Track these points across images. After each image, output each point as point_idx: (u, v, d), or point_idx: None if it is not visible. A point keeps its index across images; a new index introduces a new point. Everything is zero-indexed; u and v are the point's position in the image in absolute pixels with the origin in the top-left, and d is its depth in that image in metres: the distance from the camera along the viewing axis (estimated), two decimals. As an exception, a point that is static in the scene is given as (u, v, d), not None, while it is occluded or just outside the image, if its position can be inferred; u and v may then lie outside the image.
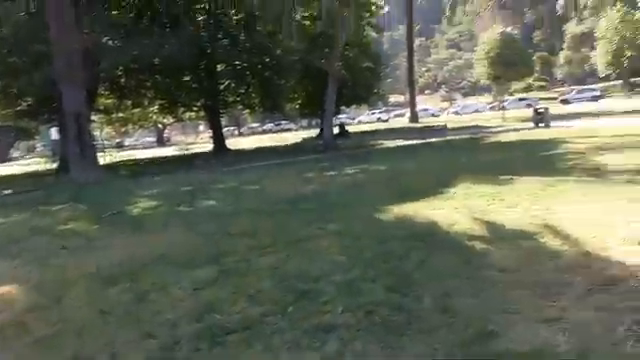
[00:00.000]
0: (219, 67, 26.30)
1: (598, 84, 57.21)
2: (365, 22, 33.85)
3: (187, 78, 25.81)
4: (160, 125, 63.13)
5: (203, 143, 52.36)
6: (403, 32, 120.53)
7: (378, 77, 35.36)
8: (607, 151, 9.55)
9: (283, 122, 71.81)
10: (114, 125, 41.04)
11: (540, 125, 19.42)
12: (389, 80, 63.17)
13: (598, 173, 7.26)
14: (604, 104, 38.53)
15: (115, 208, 9.02)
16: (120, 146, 64.59)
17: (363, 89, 33.02)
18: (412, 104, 41.39)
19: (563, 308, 3.10)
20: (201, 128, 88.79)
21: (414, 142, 19.67)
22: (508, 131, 20.13)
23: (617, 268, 3.55)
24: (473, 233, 4.96)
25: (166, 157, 27.79)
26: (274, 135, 54.74)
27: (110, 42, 20.82)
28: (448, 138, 20.12)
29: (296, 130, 65.95)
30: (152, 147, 57.21)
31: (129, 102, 28.26)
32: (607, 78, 56.13)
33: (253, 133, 70.97)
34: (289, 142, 32.34)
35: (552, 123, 19.69)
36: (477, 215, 5.63)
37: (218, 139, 27.52)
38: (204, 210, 8.25)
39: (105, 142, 38.35)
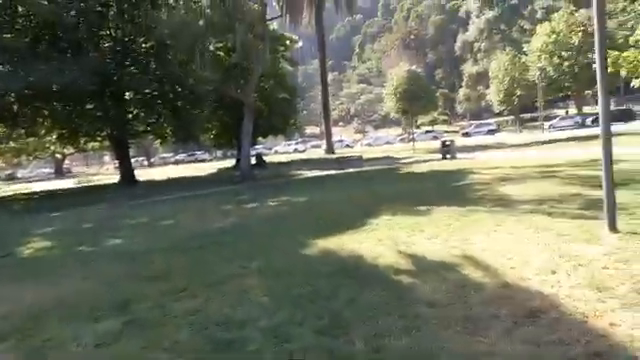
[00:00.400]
0: (127, 95, 24.95)
1: (493, 119, 63.00)
2: (280, 55, 34.45)
3: (91, 106, 24.11)
4: (59, 155, 58.34)
5: (108, 174, 49.08)
6: (316, 66, 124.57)
7: (294, 108, 35.82)
8: (509, 182, 10.27)
9: (197, 152, 69.88)
10: (4, 156, 37.13)
11: (447, 157, 20.67)
12: (304, 112, 64.33)
13: (505, 203, 7.71)
14: (499, 137, 42.33)
15: (2, 250, 7.88)
16: (12, 178, 58.53)
17: (279, 120, 33.19)
18: (328, 135, 42.33)
19: (492, 343, 3.08)
20: (106, 158, 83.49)
21: (332, 172, 19.92)
22: (419, 162, 21.16)
23: (538, 299, 3.64)
24: (399, 267, 4.92)
25: (66, 190, 25.42)
26: (188, 166, 52.86)
27: (1, 67, 18.98)
28: (365, 169, 20.65)
29: (211, 160, 64.45)
30: (50, 179, 52.31)
31: (22, 131, 25.70)
32: (501, 114, 62.00)
33: (165, 163, 68.01)
34: (204, 173, 31.30)
35: (458, 155, 21.05)
36: (401, 247, 5.64)
37: (126, 170, 25.78)
38: (110, 250, 7.46)
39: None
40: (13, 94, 19.75)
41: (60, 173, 59.52)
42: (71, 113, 22.59)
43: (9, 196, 23.60)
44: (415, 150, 30.44)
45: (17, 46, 19.67)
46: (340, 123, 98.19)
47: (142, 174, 31.42)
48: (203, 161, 65.59)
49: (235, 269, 5.49)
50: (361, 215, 8.14)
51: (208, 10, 20.15)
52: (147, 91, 24.34)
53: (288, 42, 34.67)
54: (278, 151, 61.67)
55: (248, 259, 5.87)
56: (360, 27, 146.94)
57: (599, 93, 5.44)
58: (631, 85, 19.10)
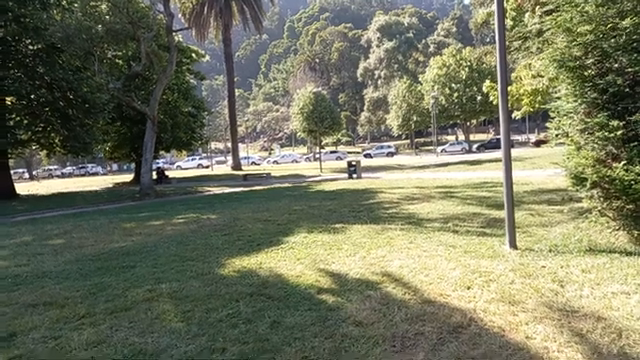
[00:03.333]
0: (8, 100, 22.31)
1: (392, 142, 66.82)
2: (185, 68, 33.44)
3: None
4: None
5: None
6: (221, 82, 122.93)
7: (200, 123, 34.76)
8: (415, 201, 10.83)
9: (89, 166, 64.60)
10: None
11: (353, 176, 21.36)
12: (209, 127, 62.76)
13: (414, 221, 8.07)
14: (398, 159, 44.93)
15: None
16: None
17: (184, 134, 31.95)
18: (234, 152, 41.65)
19: (421, 362, 3.11)
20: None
21: (241, 189, 19.53)
22: (327, 181, 21.59)
23: (458, 314, 3.77)
24: (321, 286, 4.84)
25: None
26: (78, 179, 48.55)
27: None
28: (274, 186, 20.54)
29: (104, 174, 59.96)
30: None
31: None
32: (399, 137, 66.03)
33: (50, 176, 61.79)
34: (98, 188, 28.90)
35: (363, 174, 21.86)
36: (320, 266, 5.59)
37: (4, 183, 22.88)
38: (-14, 274, 6.44)
39: None
40: None
41: None
42: None
43: None
44: (322, 169, 31.06)
45: None
46: (246, 140, 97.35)
47: (23, 188, 28.13)
48: (95, 175, 60.77)
49: (142, 293, 5.01)
50: (276, 233, 8.00)
51: (108, 16, 18.92)
52: (33, 97, 22.02)
53: (194, 55, 33.83)
54: (181, 166, 59.20)
55: (157, 282, 5.41)
56: (266, 47, 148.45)
57: (501, 122, 5.93)
58: (513, 116, 21.45)
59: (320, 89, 61.59)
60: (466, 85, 44.48)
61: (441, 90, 45.67)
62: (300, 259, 5.99)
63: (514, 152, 34.51)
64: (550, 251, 5.35)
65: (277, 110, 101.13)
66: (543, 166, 18.93)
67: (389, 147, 56.57)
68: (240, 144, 62.67)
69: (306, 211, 10.72)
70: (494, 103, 19.96)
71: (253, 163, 58.65)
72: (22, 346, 3.81)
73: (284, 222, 9.18)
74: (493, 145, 46.22)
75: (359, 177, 21.22)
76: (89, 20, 17.70)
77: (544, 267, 4.80)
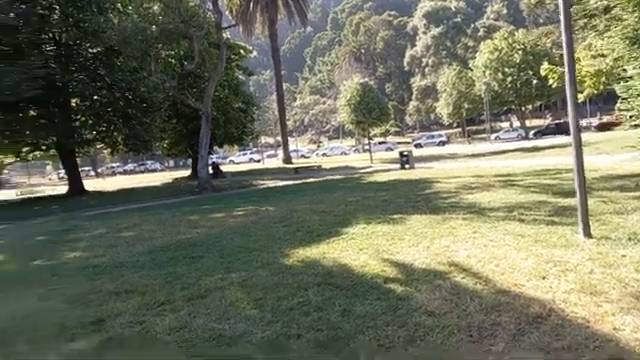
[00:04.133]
0: (74, 102, 23.74)
1: (443, 131, 65.26)
2: (234, 64, 34.12)
3: (34, 113, 22.72)
4: (-5, 165, 54.61)
5: (52, 185, 46.45)
6: (268, 77, 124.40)
7: (251, 118, 35.47)
8: (474, 190, 10.56)
9: (148, 162, 67.60)
10: None
11: (406, 166, 21.10)
12: (258, 122, 63.96)
13: (476, 211, 7.88)
14: (450, 148, 43.83)
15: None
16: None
17: (236, 129, 32.71)
18: (285, 145, 42.18)
19: (502, 351, 3.06)
20: (48, 168, 78.97)
21: (294, 182, 19.80)
22: (379, 172, 21.46)
23: (536, 305, 3.67)
24: (387, 275, 4.86)
25: (9, 201, 23.72)
26: (139, 176, 51.00)
27: None
28: (326, 178, 20.66)
29: (162, 170, 62.52)
30: (-15, 190, 48.74)
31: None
32: (450, 126, 64.45)
33: (113, 173, 65.28)
34: (158, 183, 30.23)
35: (415, 164, 21.54)
36: (384, 256, 5.60)
37: (74, 180, 24.44)
38: (69, 264, 6.95)
39: None
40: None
41: (-2, 184, 55.70)
42: (12, 121, 21.15)
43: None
44: (372, 160, 30.88)
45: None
46: (294, 133, 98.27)
47: (90, 184, 29.86)
48: (154, 171, 63.52)
49: (215, 282, 5.23)
50: (334, 224, 8.07)
51: (161, 17, 19.61)
52: (95, 98, 23.30)
53: (242, 51, 34.44)
54: (234, 161, 60.73)
55: (227, 271, 5.63)
56: (311, 39, 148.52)
57: (569, 106, 5.64)
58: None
59: (366, 80, 61.11)
60: (520, 69, 42.51)
61: (493, 75, 43.95)
62: (362, 249, 6.02)
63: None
64: (630, 239, 5.07)
65: (324, 103, 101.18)
66: (609, 151, 17.87)
67: (440, 136, 55.27)
68: (289, 138, 63.45)
69: (361, 202, 10.73)
70: (553, 87, 19.04)
71: (302, 156, 59.16)
72: (111, 330, 4.09)
73: (341, 213, 9.24)
74: (551, 131, 44.06)
75: (412, 167, 20.94)
76: (144, 21, 18.46)
77: (624, 256, 4.56)
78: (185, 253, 6.91)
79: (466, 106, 49.84)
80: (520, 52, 42.20)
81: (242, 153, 65.62)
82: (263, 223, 9.06)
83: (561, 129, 43.03)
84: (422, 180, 14.49)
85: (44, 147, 25.35)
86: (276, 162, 50.10)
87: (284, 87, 79.67)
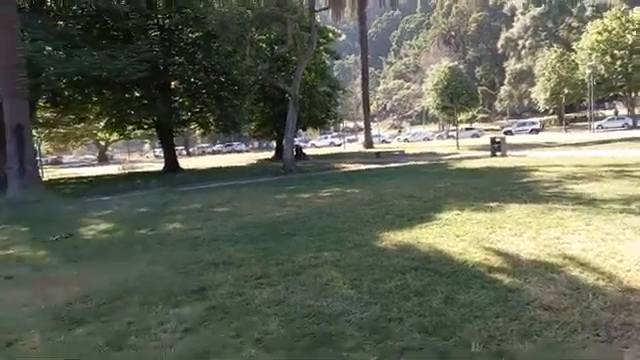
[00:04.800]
0: (173, 84, 25.31)
1: (535, 118, 60.79)
2: (322, 48, 34.15)
3: (138, 94, 24.58)
4: (102, 142, 60.12)
5: (150, 162, 50.21)
6: (352, 61, 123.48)
7: (335, 102, 35.53)
8: (579, 180, 9.67)
9: (234, 143, 70.65)
10: (53, 140, 38.44)
11: (497, 154, 19.92)
12: (340, 106, 64.03)
13: (585, 202, 7.19)
14: (544, 137, 40.75)
15: (64, 230, 7.93)
16: (57, 163, 60.64)
17: (320, 112, 32.96)
18: (367, 129, 41.86)
19: (638, 356, 2.71)
20: (146, 146, 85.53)
21: (377, 166, 19.54)
22: (467, 158, 20.49)
23: (674, 307, 3.23)
24: (491, 264, 4.55)
25: (112, 175, 26.01)
26: (226, 156, 53.50)
27: (55, 52, 19.42)
28: (410, 163, 20.14)
29: (247, 151, 65.03)
30: (93, 165, 53.94)
31: (72, 116, 26.47)
32: (546, 112, 59.84)
33: (203, 153, 69.11)
34: (244, 163, 31.46)
35: (508, 152, 20.28)
36: (485, 244, 5.26)
37: (170, 158, 26.19)
38: (171, 235, 7.38)
39: (41, 159, 35.75)
40: (65, 79, 20.21)
41: (103, 159, 61.35)
42: (120, 100, 23.04)
43: (58, 180, 24.29)
44: (459, 147, 29.61)
45: (71, 33, 20.16)
46: (375, 118, 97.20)
47: (183, 163, 31.81)
48: (240, 152, 66.28)
49: (308, 260, 5.24)
50: (425, 209, 7.78)
51: (256, 1, 20.04)
52: (192, 80, 24.62)
53: (331, 35, 34.35)
54: (315, 144, 61.50)
55: (319, 250, 5.62)
56: (398, 23, 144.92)
57: None
58: None
59: (455, 63, 58.60)
60: (632, 51, 38.26)
61: (601, 58, 39.97)
62: (459, 236, 5.72)
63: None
64: None
65: (408, 87, 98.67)
66: None
67: (533, 123, 51.48)
68: (370, 122, 62.84)
69: (451, 189, 10.26)
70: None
71: (384, 141, 58.37)
72: (213, 299, 4.23)
73: (430, 199, 8.90)
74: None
75: (504, 155, 19.72)
76: (241, 6, 19.03)
77: None
78: (276, 230, 7.03)
79: (566, 91, 45.88)
80: (634, 33, 37.89)
81: (323, 137, 66.23)
82: (350, 205, 8.99)
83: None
84: (517, 168, 13.56)
85: (146, 126, 27.39)
86: (357, 146, 49.91)
87: (369, 71, 78.85)
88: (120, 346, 3.40)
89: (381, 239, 5.97)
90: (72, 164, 59.37)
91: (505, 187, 9.58)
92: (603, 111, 61.91)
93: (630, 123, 42.62)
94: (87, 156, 73.32)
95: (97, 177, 25.69)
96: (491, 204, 7.69)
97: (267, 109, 32.24)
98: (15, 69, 12.78)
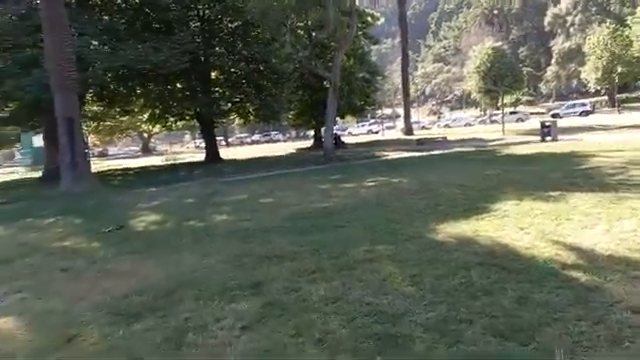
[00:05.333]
0: (213, 75, 25.54)
1: (585, 99, 57.82)
2: (361, 33, 33.52)
3: (180, 86, 24.96)
4: (145, 134, 61.88)
5: (191, 152, 51.27)
6: (389, 45, 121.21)
7: (374, 88, 34.94)
8: (648, 166, 9.01)
9: (272, 133, 71.10)
10: (99, 134, 39.83)
11: (547, 139, 19.00)
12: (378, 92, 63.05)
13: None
14: (596, 119, 38.68)
15: (116, 222, 8.09)
16: (103, 155, 62.94)
17: (359, 99, 32.51)
18: (407, 116, 41.03)
19: None
20: (186, 137, 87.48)
21: (419, 154, 19.05)
22: (515, 144, 19.67)
23: None
24: (563, 260, 4.23)
25: (157, 166, 26.69)
26: (264, 146, 53.93)
27: (101, 47, 19.91)
28: (454, 150, 19.54)
29: (285, 141, 65.27)
30: (137, 156, 55.66)
31: (117, 109, 27.24)
32: (594, 93, 56.87)
33: (242, 143, 69.99)
34: (283, 153, 31.51)
35: (559, 137, 19.30)
36: (553, 238, 4.91)
37: (211, 149, 26.57)
38: (219, 226, 7.37)
39: (89, 151, 37.06)
40: (110, 73, 20.75)
41: (147, 151, 63.17)
42: (163, 92, 23.46)
43: (106, 172, 25.12)
44: (505, 132, 28.52)
45: (115, 27, 20.60)
46: (414, 104, 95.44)
47: (223, 153, 32.23)
48: (277, 141, 66.65)
49: (362, 253, 5.06)
50: (479, 199, 7.43)
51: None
52: (232, 70, 24.76)
53: (370, 19, 33.66)
54: (352, 132, 61.00)
55: (372, 243, 5.43)
56: (436, 4, 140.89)
57: None
58: None
59: (499, 44, 56.36)
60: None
61: (659, 32, 37.42)
62: (523, 229, 5.38)
63: None
64: None
65: (448, 71, 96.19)
66: None
67: (583, 105, 48.87)
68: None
69: (504, 176, 9.80)
70: None
71: (423, 127, 57.19)
72: (269, 295, 4.13)
73: (483, 188, 8.50)
74: None
75: (555, 139, 18.77)
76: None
77: None
78: (325, 221, 6.88)
79: (619, 70, 43.28)
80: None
81: (361, 124, 65.57)
82: (398, 195, 8.73)
83: None
84: (572, 154, 12.83)
85: (187, 117, 27.86)
86: (395, 133, 49.10)
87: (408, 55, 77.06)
88: (179, 343, 3.34)
89: (437, 231, 5.71)
90: (117, 156, 61.43)
91: (564, 174, 9.04)
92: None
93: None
94: (131, 148, 75.76)
95: (142, 168, 26.40)
96: (552, 193, 7.25)
97: (305, 97, 32.09)
98: (66, 64, 13.15)
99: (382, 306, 3.66)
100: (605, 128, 24.47)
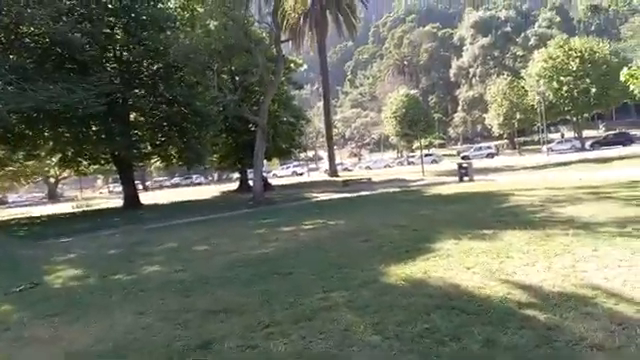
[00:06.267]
0: (132, 117, 24.40)
1: (489, 143, 63.14)
2: (284, 78, 34.24)
3: (95, 128, 23.46)
4: (52, 179, 57.21)
5: (105, 198, 48.02)
6: (309, 91, 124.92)
7: (299, 131, 35.48)
8: (563, 203, 9.78)
9: (193, 176, 69.03)
10: (1, 180, 36.08)
11: (465, 179, 20.24)
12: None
13: (580, 226, 7.17)
14: (500, 160, 42.20)
15: (28, 279, 7.13)
16: (3, 203, 57.00)
17: (284, 142, 32.77)
18: (331, 158, 41.84)
19: None
20: (99, 182, 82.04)
21: (348, 195, 19.34)
22: (436, 184, 20.68)
23: None
24: (517, 299, 4.31)
25: (67, 214, 24.49)
26: (185, 189, 52.00)
27: (6, 87, 18.29)
28: (381, 191, 20.10)
29: (208, 184, 63.61)
30: (43, 203, 50.95)
31: (21, 154, 24.92)
32: (496, 137, 62.41)
33: (161, 187, 67.01)
34: (208, 196, 30.53)
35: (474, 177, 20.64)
36: (501, 276, 5.04)
37: (130, 193, 24.98)
38: (152, 279, 6.74)
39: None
40: (16, 115, 19.01)
41: (54, 197, 58.16)
42: (77, 135, 21.90)
43: (8, 221, 22.59)
44: (424, 172, 30.03)
45: (24, 66, 19.11)
46: (335, 146, 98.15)
47: (142, 198, 30.50)
48: (199, 184, 64.74)
49: (317, 302, 4.83)
50: (419, 239, 7.55)
51: (222, 32, 19.74)
52: (154, 112, 23.88)
53: (292, 65, 34.57)
54: (277, 174, 60.99)
55: (324, 290, 5.21)
56: (352, 53, 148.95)
57: None
58: None
59: (413, 91, 60.33)
60: (577, 77, 40.69)
61: (548, 84, 42.20)
62: (470, 268, 5.48)
63: (638, 149, 30.68)
64: None
65: (366, 116, 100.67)
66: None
67: (489, 148, 53.33)
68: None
69: (437, 216, 10.15)
70: (635, 92, 17.86)
71: (346, 169, 58.67)
72: (223, 355, 3.75)
73: (420, 228, 8.69)
74: (611, 141, 41.73)
75: (471, 180, 20.06)
76: (207, 37, 18.67)
77: None
78: (269, 269, 6.57)
79: (518, 116, 48.07)
80: (577, 60, 40.40)
81: (286, 167, 65.93)
82: (339, 238, 8.65)
83: (624, 139, 40.95)
84: (492, 193, 13.70)
85: (103, 161, 26.15)
86: (319, 175, 49.84)
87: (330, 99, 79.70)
88: None
89: (387, 274, 5.64)
90: (19, 203, 55.86)
91: (491, 213, 9.54)
92: (550, 134, 65.17)
93: (578, 145, 44.94)
94: (34, 194, 69.30)
95: (51, 217, 24.08)
96: (485, 231, 7.57)
97: (230, 140, 31.71)
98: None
99: (350, 359, 3.44)
100: (511, 169, 26.66)
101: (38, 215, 25.36)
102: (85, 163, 26.78)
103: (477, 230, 7.78)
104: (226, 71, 30.06)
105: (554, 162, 27.44)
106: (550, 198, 10.82)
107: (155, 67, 23.55)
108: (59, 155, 25.38)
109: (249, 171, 31.77)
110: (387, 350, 3.53)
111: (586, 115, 48.71)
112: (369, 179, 27.30)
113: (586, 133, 54.61)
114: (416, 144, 67.80)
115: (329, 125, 42.47)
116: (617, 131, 49.16)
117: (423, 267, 5.76)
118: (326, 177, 41.37)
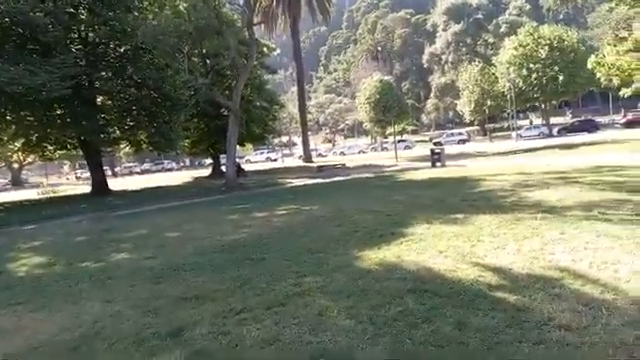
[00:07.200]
0: (99, 100, 23.58)
1: (461, 129, 64.12)
2: (257, 63, 33.73)
3: (60, 112, 22.57)
4: (16, 165, 55.18)
5: (72, 184, 46.59)
6: (282, 76, 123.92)
7: (273, 116, 35.13)
8: (532, 188, 10.00)
9: (164, 162, 67.70)
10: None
11: (437, 164, 20.49)
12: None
13: (548, 210, 7.34)
14: (472, 146, 42.91)
15: (-11, 269, 6.84)
16: (-37, 189, 54.58)
17: (258, 128, 32.40)
18: (305, 144, 41.74)
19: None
20: (65, 168, 79.51)
21: (323, 180, 19.33)
22: (409, 170, 20.88)
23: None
24: (488, 282, 4.38)
25: (32, 201, 23.66)
26: (156, 175, 50.97)
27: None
28: (355, 176, 20.17)
29: (179, 170, 62.54)
30: (6, 190, 49.10)
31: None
32: (467, 124, 63.40)
33: (131, 173, 65.48)
34: (180, 182, 30.01)
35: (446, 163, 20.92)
36: (472, 259, 5.11)
37: (98, 179, 24.27)
38: (121, 266, 6.58)
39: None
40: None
41: (18, 184, 56.12)
42: (40, 119, 21.05)
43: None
44: (398, 158, 30.27)
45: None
46: (309, 132, 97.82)
47: (111, 184, 29.72)
48: (170, 170, 63.56)
49: (290, 287, 4.80)
50: (392, 224, 7.59)
51: (193, 13, 19.21)
52: (122, 96, 23.15)
53: (265, 49, 34.04)
54: (250, 160, 60.42)
55: (298, 276, 5.19)
56: (325, 39, 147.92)
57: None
58: (621, 94, 19.82)
59: (387, 77, 60.39)
60: (546, 65, 41.52)
61: (518, 72, 42.96)
62: (442, 252, 5.54)
63: (602, 135, 31.79)
64: None
65: (339, 102, 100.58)
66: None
67: (460, 134, 54.14)
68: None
69: (411, 201, 10.23)
70: (601, 80, 18.32)
71: (320, 155, 58.59)
72: (194, 342, 3.69)
73: (394, 213, 8.74)
74: (577, 128, 43.03)
75: (443, 165, 20.33)
76: (177, 18, 18.10)
77: None
78: (242, 255, 6.50)
79: (489, 103, 48.86)
80: (546, 48, 41.19)
81: (259, 152, 65.37)
82: (313, 223, 8.62)
83: (590, 126, 42.20)
84: (464, 178, 13.90)
85: (69, 146, 25.28)
86: (294, 161, 49.70)
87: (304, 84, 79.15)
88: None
89: (361, 259, 5.65)
90: (-21, 190, 53.63)
91: (463, 198, 9.67)
92: (519, 121, 66.62)
93: (546, 132, 46.09)
94: (-2, 180, 66.73)
95: (14, 203, 23.21)
96: (457, 216, 7.67)
97: (202, 125, 31.13)
98: None
99: (324, 344, 3.44)
100: (483, 155, 27.13)
101: (1, 202, 24.41)
102: (51, 148, 25.81)
103: (449, 214, 7.88)
104: (197, 54, 29.37)
105: (523, 148, 28.06)
106: (519, 183, 11.06)
107: (122, 49, 22.74)
108: (22, 140, 24.35)
109: (222, 157, 31.34)
110: (361, 334, 3.53)
111: (554, 102, 49.96)
112: (343, 165, 27.34)
113: (554, 120, 56.14)
114: (389, 130, 68.31)
115: (303, 110, 42.19)
116: (583, 118, 50.61)
117: (396, 251, 5.79)
118: (300, 163, 41.30)
